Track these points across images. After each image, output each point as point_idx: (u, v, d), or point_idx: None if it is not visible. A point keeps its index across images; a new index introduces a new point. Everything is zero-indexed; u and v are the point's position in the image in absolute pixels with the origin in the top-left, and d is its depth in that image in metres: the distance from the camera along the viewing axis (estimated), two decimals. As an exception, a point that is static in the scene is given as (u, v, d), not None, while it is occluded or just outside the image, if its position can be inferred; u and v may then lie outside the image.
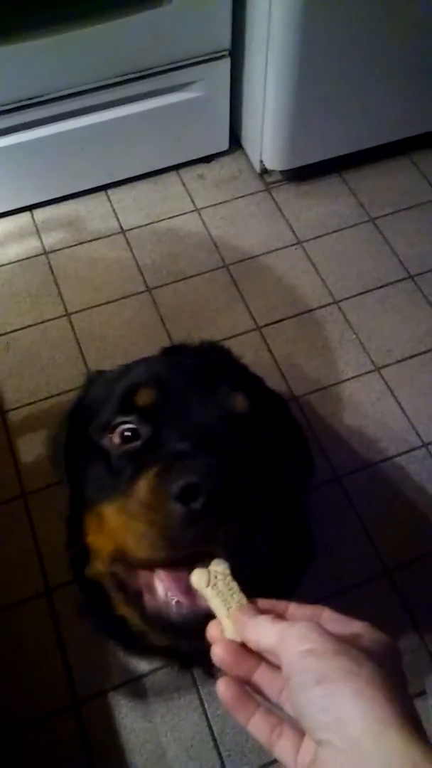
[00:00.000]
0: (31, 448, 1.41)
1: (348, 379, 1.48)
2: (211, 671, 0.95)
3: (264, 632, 0.43)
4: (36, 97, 1.52)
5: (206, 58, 1.60)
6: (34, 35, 1.42)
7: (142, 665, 1.18)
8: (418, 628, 1.21)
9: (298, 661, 0.40)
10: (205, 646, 0.48)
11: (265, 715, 0.46)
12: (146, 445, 0.58)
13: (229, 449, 0.55)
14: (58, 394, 1.47)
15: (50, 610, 1.23)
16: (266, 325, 1.56)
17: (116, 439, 0.60)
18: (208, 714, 1.14)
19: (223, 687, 0.46)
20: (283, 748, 0.44)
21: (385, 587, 1.25)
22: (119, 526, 0.57)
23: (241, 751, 1.11)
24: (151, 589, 0.56)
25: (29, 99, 1.52)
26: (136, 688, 1.17)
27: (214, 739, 1.12)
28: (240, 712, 0.46)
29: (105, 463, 0.61)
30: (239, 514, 0.51)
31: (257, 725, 0.46)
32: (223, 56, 1.61)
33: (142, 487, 0.54)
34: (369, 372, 1.49)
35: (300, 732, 0.43)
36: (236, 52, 1.63)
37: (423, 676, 1.15)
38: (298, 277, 1.64)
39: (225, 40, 1.58)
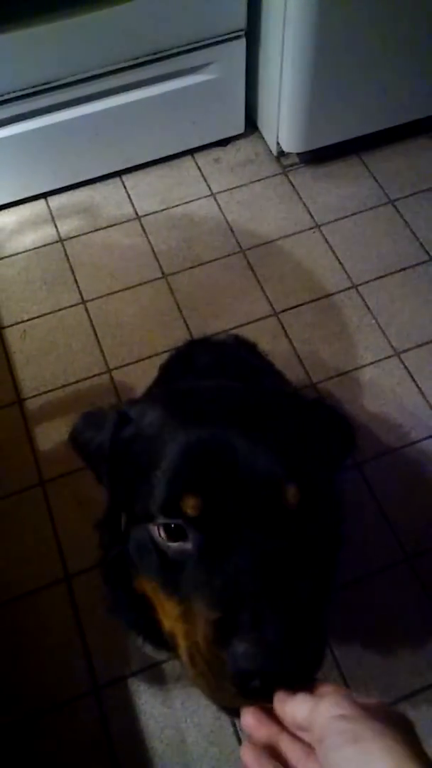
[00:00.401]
0: (49, 436, 1.41)
1: (367, 365, 1.46)
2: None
3: (299, 704, 0.48)
4: (50, 82, 1.51)
5: (221, 38, 1.58)
6: (47, 19, 1.41)
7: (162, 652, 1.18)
8: (440, 616, 1.19)
9: (333, 723, 0.44)
10: None
11: None
12: (200, 552, 0.55)
13: (285, 561, 0.54)
14: (75, 382, 1.47)
15: (69, 597, 1.23)
16: (284, 311, 1.54)
17: (164, 533, 0.57)
18: (228, 700, 1.14)
19: (246, 748, 0.50)
20: None
21: (406, 574, 1.23)
22: (177, 625, 0.57)
23: (260, 737, 1.11)
24: None
25: (44, 84, 1.51)
26: (156, 674, 1.17)
27: (234, 725, 1.12)
28: None
29: (156, 550, 0.59)
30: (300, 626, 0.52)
31: None
32: (238, 36, 1.59)
33: (200, 630, 0.53)
34: (389, 357, 1.47)
35: None
36: (252, 33, 1.60)
37: (445, 664, 1.14)
38: (316, 261, 1.62)
39: (241, 20, 1.55)
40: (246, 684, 0.50)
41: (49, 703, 1.15)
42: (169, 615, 0.59)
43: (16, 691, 1.16)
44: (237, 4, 1.52)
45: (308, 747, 0.48)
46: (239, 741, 1.11)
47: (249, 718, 0.52)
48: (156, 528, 0.57)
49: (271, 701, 0.50)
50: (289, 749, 0.49)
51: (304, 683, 0.50)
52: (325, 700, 0.46)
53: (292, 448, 0.60)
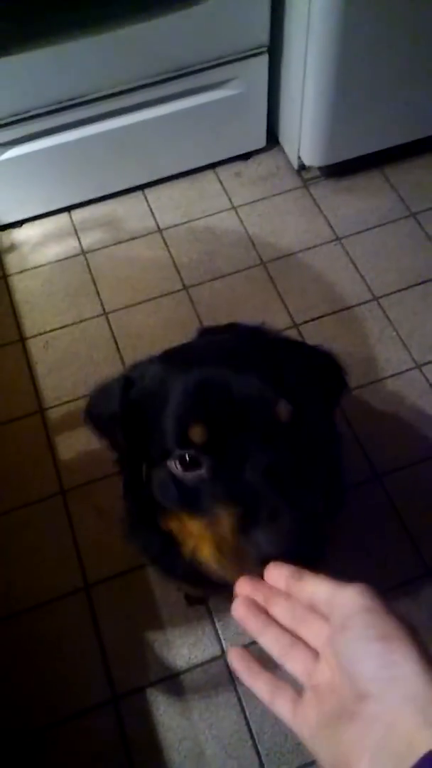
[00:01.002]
0: (70, 445, 1.42)
1: (388, 377, 1.45)
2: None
3: (321, 585, 0.48)
4: (75, 99, 1.54)
5: (244, 54, 1.60)
6: (73, 36, 1.44)
7: (180, 662, 1.18)
8: (462, 631, 1.18)
9: (359, 615, 0.44)
10: None
11: (280, 633, 0.50)
12: (214, 473, 0.63)
13: (289, 467, 0.61)
14: (97, 392, 1.48)
15: (89, 605, 1.24)
16: (304, 323, 1.54)
17: (180, 465, 0.64)
18: (247, 713, 1.13)
19: (239, 603, 0.52)
20: (296, 660, 0.48)
21: (429, 588, 1.22)
22: (202, 537, 0.64)
23: (279, 750, 1.10)
24: None
25: (69, 100, 1.54)
26: (174, 684, 1.16)
27: (253, 738, 1.11)
28: (251, 623, 0.51)
29: (174, 480, 0.65)
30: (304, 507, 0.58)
31: (271, 639, 0.50)
32: (261, 52, 1.61)
33: (225, 525, 0.60)
34: (410, 369, 1.46)
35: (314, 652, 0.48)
36: (274, 48, 1.62)
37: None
38: (337, 273, 1.62)
39: (263, 36, 1.57)
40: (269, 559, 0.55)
41: (68, 711, 1.15)
42: (194, 533, 0.66)
43: (34, 699, 1.17)
44: (260, 21, 1.54)
45: (304, 612, 0.49)
46: (258, 754, 1.10)
47: (245, 584, 0.54)
48: (173, 462, 0.64)
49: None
50: (282, 611, 0.50)
51: (320, 565, 0.53)
52: (351, 588, 0.46)
53: (281, 376, 0.66)
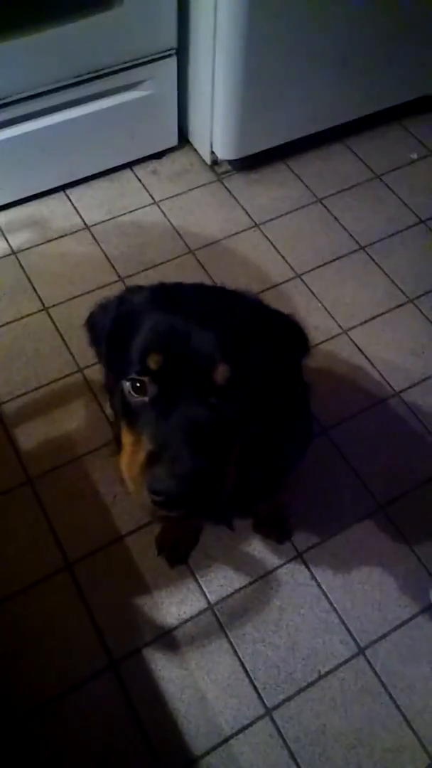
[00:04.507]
0: (30, 435, 1.44)
1: (320, 343, 1.60)
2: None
3: None
4: (-5, 101, 1.58)
5: (154, 57, 1.70)
6: (-8, 40, 1.48)
7: (170, 620, 1.24)
8: (415, 551, 1.33)
9: None
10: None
11: None
12: (153, 402, 0.74)
13: (209, 424, 0.73)
14: (48, 383, 1.52)
15: (74, 582, 1.27)
16: (237, 302, 1.65)
17: (132, 390, 0.76)
18: (239, 654, 1.21)
19: None
20: None
21: (382, 521, 1.36)
22: (129, 453, 0.76)
23: (274, 682, 1.19)
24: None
25: (-11, 103, 1.57)
26: (168, 641, 1.23)
27: (249, 676, 1.20)
28: None
29: (125, 400, 0.77)
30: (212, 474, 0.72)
31: None
32: (170, 55, 1.71)
33: (140, 457, 0.72)
34: (338, 335, 1.61)
35: None
36: (182, 51, 1.73)
37: (426, 591, 1.28)
38: (261, 256, 1.75)
39: (171, 39, 1.68)
40: (156, 498, 0.69)
41: (69, 684, 1.18)
42: (126, 446, 0.77)
43: (34, 677, 1.19)
44: (168, 25, 1.65)
45: None
46: (256, 689, 1.18)
47: None
48: (127, 384, 0.76)
49: (174, 517, 0.71)
50: None
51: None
52: None
53: (238, 342, 0.76)
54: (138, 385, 0.75)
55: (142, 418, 0.74)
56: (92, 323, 0.91)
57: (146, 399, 0.75)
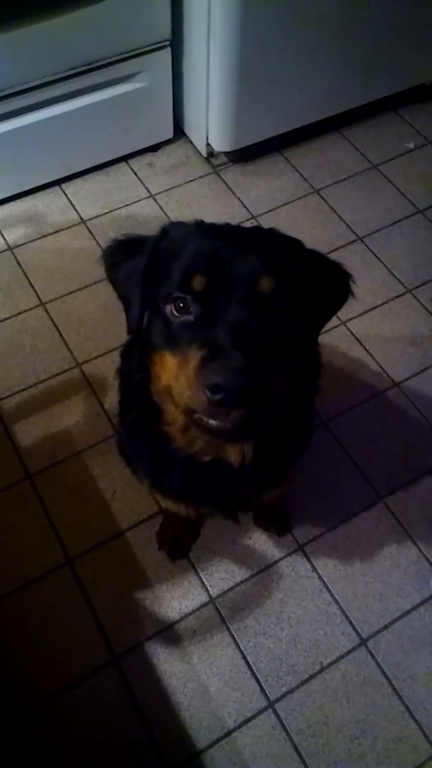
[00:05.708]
0: (29, 432, 1.44)
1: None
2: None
3: None
4: (-11, 95, 1.56)
5: (148, 49, 1.69)
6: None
7: (172, 614, 1.24)
8: (416, 542, 1.33)
9: None
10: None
11: None
12: (198, 319, 0.74)
13: (257, 333, 0.73)
14: (47, 379, 1.51)
15: (75, 578, 1.27)
16: (235, 295, 1.65)
17: (175, 311, 0.76)
18: (241, 647, 1.21)
19: None
20: None
21: (382, 512, 1.36)
22: (175, 375, 0.76)
23: (276, 674, 1.19)
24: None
25: (-17, 97, 1.56)
26: (170, 635, 1.23)
27: (251, 669, 1.20)
28: None
29: (166, 324, 0.77)
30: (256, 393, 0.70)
31: None
32: (164, 46, 1.70)
33: (192, 364, 0.72)
34: (337, 326, 1.61)
35: None
36: (177, 42, 1.72)
37: (427, 581, 1.28)
38: (258, 248, 1.74)
39: (165, 31, 1.67)
40: (214, 397, 0.68)
41: (71, 679, 1.18)
42: (169, 369, 0.77)
43: (36, 674, 1.19)
44: (162, 16, 1.63)
45: None
46: (258, 682, 1.19)
47: None
48: (171, 306, 0.76)
49: (227, 415, 0.70)
50: None
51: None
52: None
53: (282, 265, 0.77)
54: (182, 305, 0.75)
55: (186, 336, 0.75)
56: (112, 261, 0.89)
57: (191, 317, 0.75)
